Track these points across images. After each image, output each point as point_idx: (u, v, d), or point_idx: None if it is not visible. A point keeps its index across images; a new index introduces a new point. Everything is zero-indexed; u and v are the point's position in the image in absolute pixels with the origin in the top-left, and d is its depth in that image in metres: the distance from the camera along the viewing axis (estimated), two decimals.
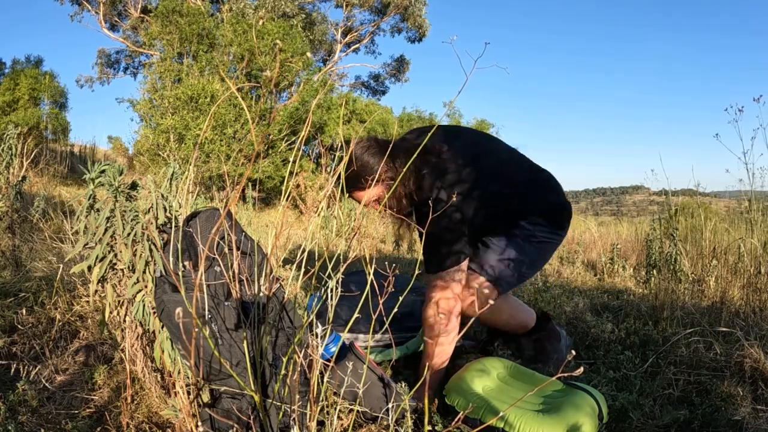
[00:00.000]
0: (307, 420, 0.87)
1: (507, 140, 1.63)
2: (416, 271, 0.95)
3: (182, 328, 1.04)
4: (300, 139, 0.88)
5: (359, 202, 1.46)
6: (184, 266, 1.10)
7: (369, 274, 0.85)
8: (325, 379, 0.97)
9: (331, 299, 0.89)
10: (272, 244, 0.96)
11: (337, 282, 0.89)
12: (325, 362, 1.20)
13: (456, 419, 0.81)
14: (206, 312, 1.07)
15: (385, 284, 0.85)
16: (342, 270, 0.89)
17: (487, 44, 1.20)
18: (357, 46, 14.59)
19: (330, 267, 0.91)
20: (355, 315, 0.87)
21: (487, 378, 1.29)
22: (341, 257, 0.90)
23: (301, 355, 0.90)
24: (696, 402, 1.34)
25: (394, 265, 0.91)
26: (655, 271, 2.64)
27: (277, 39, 7.85)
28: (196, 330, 0.96)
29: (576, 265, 3.84)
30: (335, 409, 0.91)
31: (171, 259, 1.08)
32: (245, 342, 0.96)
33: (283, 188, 0.91)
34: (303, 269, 0.95)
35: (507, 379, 1.33)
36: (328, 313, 0.88)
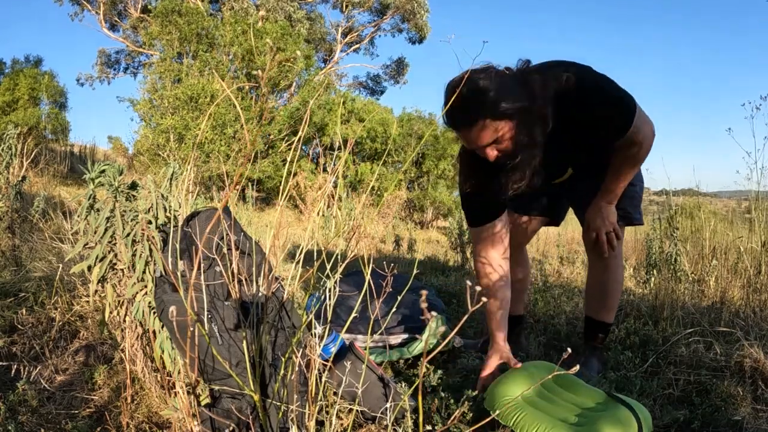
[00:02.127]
0: (306, 420, 0.87)
1: None
2: (415, 271, 0.95)
3: (181, 328, 1.04)
4: (298, 139, 0.88)
5: (476, 144, 1.18)
6: (184, 266, 1.10)
7: (366, 274, 0.85)
8: (324, 379, 0.97)
9: (329, 299, 0.89)
10: (271, 244, 0.96)
11: (335, 283, 0.89)
12: (324, 362, 1.20)
13: (452, 417, 0.81)
14: (206, 312, 1.07)
15: (383, 284, 0.85)
16: (340, 270, 0.89)
17: (486, 42, 1.18)
18: (357, 46, 14.59)
19: (328, 267, 0.91)
20: (353, 315, 0.87)
21: (529, 383, 1.19)
22: (339, 257, 0.90)
23: (299, 355, 0.90)
24: (696, 402, 1.34)
25: (393, 264, 0.91)
26: (655, 271, 2.64)
27: (276, 39, 7.84)
28: (196, 330, 0.96)
29: (576, 265, 3.84)
30: (335, 409, 0.91)
31: (170, 259, 1.08)
32: (245, 342, 0.96)
33: (281, 188, 0.91)
34: (301, 268, 0.95)
35: (550, 386, 1.24)
36: (326, 313, 0.88)
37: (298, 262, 0.94)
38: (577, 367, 0.62)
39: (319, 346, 0.88)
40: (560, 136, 1.23)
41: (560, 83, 1.18)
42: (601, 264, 1.52)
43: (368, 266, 0.85)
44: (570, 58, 1.32)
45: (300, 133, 0.85)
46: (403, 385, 1.24)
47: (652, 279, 2.65)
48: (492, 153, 1.19)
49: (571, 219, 1.97)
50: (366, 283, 0.85)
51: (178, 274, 1.00)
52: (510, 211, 1.57)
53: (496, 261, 1.39)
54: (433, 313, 1.70)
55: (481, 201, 1.39)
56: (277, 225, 0.91)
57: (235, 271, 1.02)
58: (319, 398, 0.87)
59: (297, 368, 0.94)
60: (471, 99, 1.11)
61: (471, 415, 1.13)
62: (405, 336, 1.71)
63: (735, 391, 1.38)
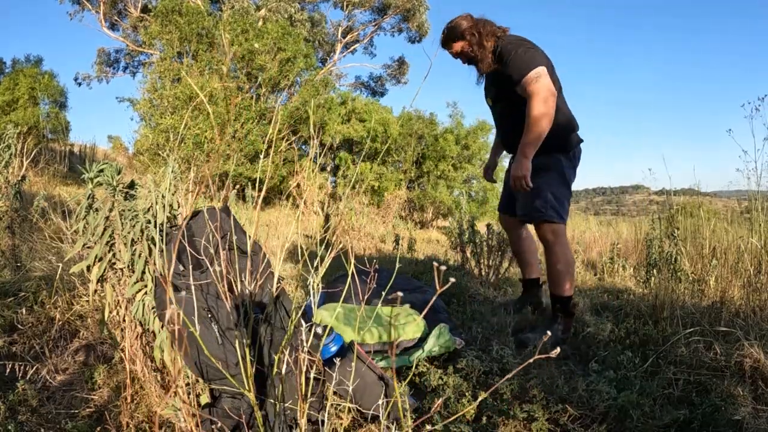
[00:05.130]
0: (298, 418, 0.86)
1: None
2: (397, 266, 0.94)
3: (181, 328, 1.04)
4: (288, 141, 0.88)
5: (452, 52, 1.97)
6: (183, 266, 1.10)
7: (350, 269, 0.85)
8: (315, 378, 0.97)
9: (314, 296, 0.88)
10: (253, 234, 0.96)
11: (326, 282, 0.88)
12: (324, 362, 1.20)
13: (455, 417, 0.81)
14: (206, 312, 1.06)
15: (368, 280, 0.85)
16: (323, 270, 0.88)
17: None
18: (356, 46, 14.57)
19: (312, 267, 0.90)
20: (336, 311, 0.87)
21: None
22: (322, 254, 0.90)
23: (298, 355, 0.90)
24: (696, 402, 1.34)
25: (374, 260, 0.90)
26: (655, 270, 2.64)
27: (276, 39, 7.83)
28: (193, 330, 0.96)
29: (576, 265, 3.84)
30: (334, 408, 0.91)
31: (165, 261, 1.07)
32: (238, 342, 0.96)
33: (258, 180, 0.90)
34: (296, 266, 0.95)
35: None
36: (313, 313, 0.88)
37: (292, 256, 0.94)
38: (558, 350, 0.72)
39: (307, 344, 0.87)
40: (496, 71, 1.86)
41: (507, 38, 1.84)
42: (549, 250, 1.87)
43: (354, 263, 0.84)
44: (568, 57, 1.38)
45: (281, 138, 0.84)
46: (403, 385, 1.24)
47: (652, 279, 2.64)
48: (457, 58, 1.98)
49: (571, 220, 1.98)
50: (346, 285, 0.85)
51: (170, 276, 1.00)
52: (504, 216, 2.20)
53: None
54: (441, 325, 1.72)
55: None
56: (257, 216, 0.91)
57: (235, 271, 1.01)
58: (309, 397, 0.87)
59: (293, 368, 0.93)
60: (447, 29, 1.94)
61: (472, 414, 1.14)
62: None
63: (735, 391, 1.37)
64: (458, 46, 1.91)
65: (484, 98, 2.08)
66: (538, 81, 1.70)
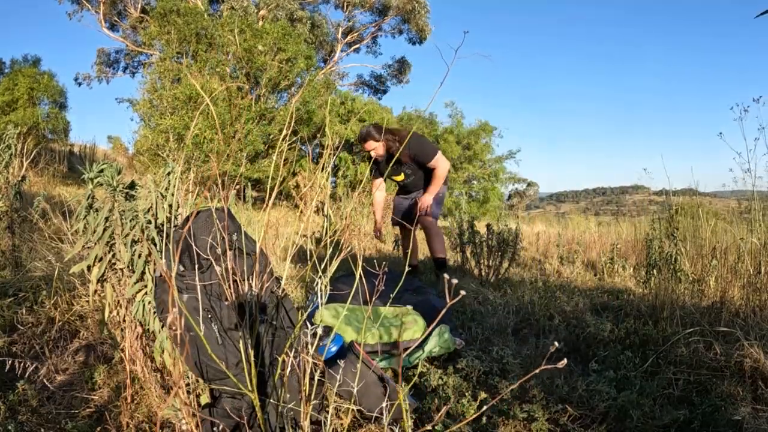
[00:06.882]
0: (301, 419, 0.86)
1: (509, 141, 1.77)
2: (406, 269, 0.94)
3: (182, 328, 1.04)
4: (292, 139, 0.88)
5: (367, 150, 2.93)
6: (183, 267, 1.10)
7: (359, 270, 0.85)
8: (318, 379, 0.97)
9: (321, 299, 0.88)
10: (262, 238, 0.96)
11: (329, 283, 0.89)
12: (324, 362, 1.20)
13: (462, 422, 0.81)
14: (201, 312, 1.06)
15: (377, 282, 0.85)
16: (331, 270, 0.88)
17: (467, 33, 1.27)
18: (357, 46, 14.57)
19: (320, 268, 0.90)
20: (343, 314, 0.87)
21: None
22: (330, 256, 0.90)
23: (299, 355, 0.90)
24: (696, 402, 1.34)
25: (384, 262, 0.90)
26: (655, 271, 2.64)
27: (276, 39, 7.83)
28: (193, 330, 0.96)
29: (576, 265, 3.84)
30: (335, 408, 0.91)
31: (165, 260, 1.07)
32: (241, 342, 0.96)
33: (267, 181, 0.91)
34: (298, 267, 0.95)
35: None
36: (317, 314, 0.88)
37: (296, 263, 0.94)
38: (565, 361, 0.70)
39: (313, 345, 0.88)
40: (401, 159, 2.92)
41: (411, 138, 2.85)
42: (427, 230, 2.88)
43: (361, 264, 0.84)
44: (567, 60, 1.36)
45: (286, 133, 0.84)
46: (402, 385, 1.24)
47: (652, 279, 2.64)
48: (373, 154, 2.94)
49: (571, 220, 1.97)
50: (354, 286, 0.85)
51: (173, 275, 1.00)
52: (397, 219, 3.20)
53: (379, 193, 3.19)
54: (442, 325, 1.73)
55: (376, 172, 3.16)
56: (267, 216, 0.91)
57: (236, 271, 1.01)
58: (312, 398, 0.87)
59: (294, 368, 0.93)
60: (364, 133, 2.93)
61: (471, 413, 1.14)
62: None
63: (735, 391, 1.38)
64: (378, 144, 2.86)
65: (388, 176, 3.18)
66: (439, 160, 2.86)
